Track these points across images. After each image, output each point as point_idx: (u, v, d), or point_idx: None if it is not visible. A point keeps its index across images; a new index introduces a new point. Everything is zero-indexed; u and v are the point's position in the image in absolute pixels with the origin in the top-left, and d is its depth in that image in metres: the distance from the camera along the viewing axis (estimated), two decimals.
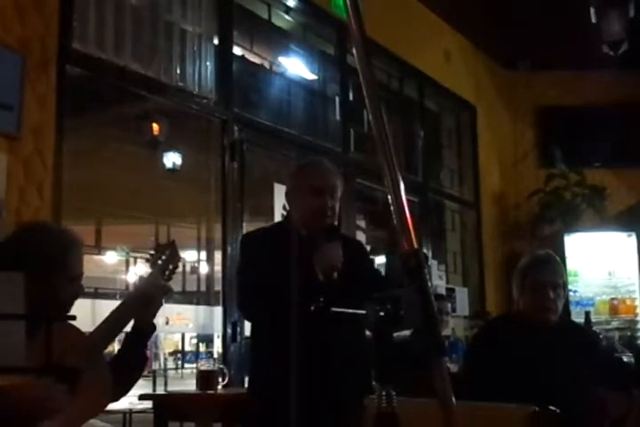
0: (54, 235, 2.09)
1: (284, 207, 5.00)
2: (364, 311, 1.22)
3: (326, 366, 2.47)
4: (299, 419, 1.85)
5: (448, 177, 7.80)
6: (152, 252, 2.18)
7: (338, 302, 1.41)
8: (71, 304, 2.07)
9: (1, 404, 1.67)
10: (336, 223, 2.72)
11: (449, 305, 5.38)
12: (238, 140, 4.82)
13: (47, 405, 1.79)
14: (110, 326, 2.07)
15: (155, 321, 2.19)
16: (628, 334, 7.23)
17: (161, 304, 2.17)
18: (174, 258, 2.17)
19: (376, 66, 5.49)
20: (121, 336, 2.18)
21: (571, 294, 6.93)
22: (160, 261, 2.14)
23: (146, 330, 2.17)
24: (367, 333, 2.52)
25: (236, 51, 5.16)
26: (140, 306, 2.11)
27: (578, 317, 6.44)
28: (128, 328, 2.16)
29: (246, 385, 2.90)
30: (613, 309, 7.54)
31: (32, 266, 1.91)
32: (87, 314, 3.42)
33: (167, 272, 2.15)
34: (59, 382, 1.81)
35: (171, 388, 4.63)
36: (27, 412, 1.77)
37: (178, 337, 17.61)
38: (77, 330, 2.09)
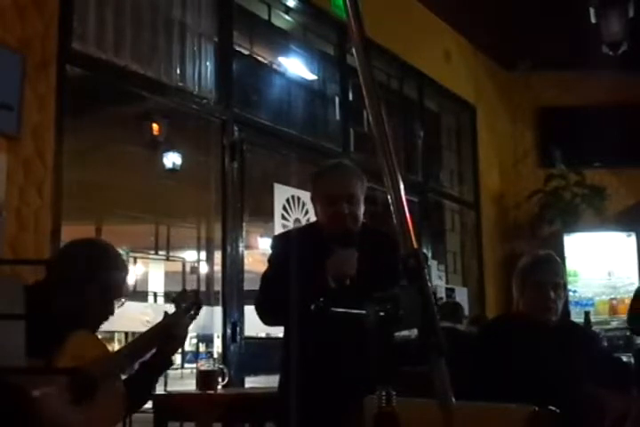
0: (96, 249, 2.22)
1: (284, 207, 5.01)
2: (364, 311, 1.22)
3: (333, 366, 2.47)
4: (308, 417, 1.86)
5: (448, 177, 7.80)
6: (176, 295, 2.40)
7: (349, 303, 1.40)
8: (100, 322, 2.19)
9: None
10: (361, 225, 2.72)
11: (465, 312, 5.38)
12: (238, 140, 4.81)
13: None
14: (129, 353, 2.21)
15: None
16: (628, 334, 7.23)
17: (181, 343, 2.34)
18: (196, 305, 2.37)
19: (376, 66, 5.50)
20: None
21: (570, 294, 6.93)
22: (184, 304, 2.33)
23: (160, 363, 2.25)
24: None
25: (236, 51, 5.16)
26: (162, 339, 2.24)
27: (578, 317, 6.44)
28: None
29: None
30: (613, 309, 7.54)
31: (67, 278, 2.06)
32: None
33: (189, 316, 2.34)
34: (75, 388, 1.88)
35: (170, 388, 4.62)
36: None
37: None
38: (98, 340, 2.17)
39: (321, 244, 2.61)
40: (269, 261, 2.80)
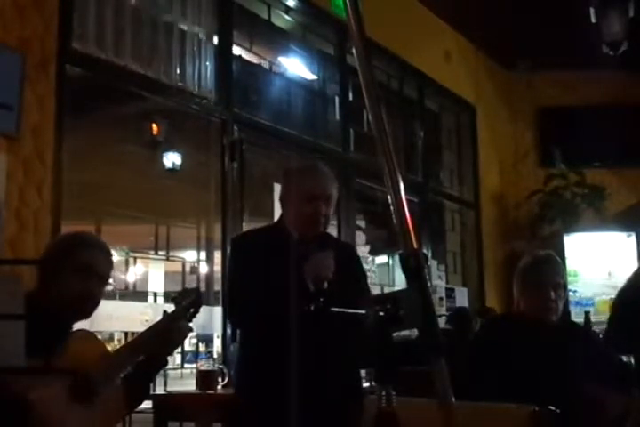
0: (68, 237, 2.20)
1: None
2: (363, 311, 1.22)
3: (317, 368, 2.45)
4: (288, 421, 1.85)
5: (448, 177, 7.80)
6: (177, 293, 2.35)
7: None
8: (80, 303, 2.10)
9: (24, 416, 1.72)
10: (328, 230, 2.69)
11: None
12: (238, 140, 4.81)
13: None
14: (129, 353, 2.19)
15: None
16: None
17: (179, 344, 2.31)
18: (197, 303, 2.32)
19: (376, 66, 5.50)
20: None
21: (570, 294, 6.92)
22: (184, 303, 2.29)
23: (155, 364, 2.24)
24: (359, 333, 2.52)
25: (236, 51, 5.16)
26: (159, 340, 2.20)
27: (578, 317, 6.42)
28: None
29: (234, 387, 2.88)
30: None
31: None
32: None
33: (189, 315, 2.29)
34: (74, 389, 1.87)
35: (170, 388, 4.63)
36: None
37: None
38: (98, 340, 2.16)
39: (292, 245, 2.50)
40: (237, 263, 2.65)
